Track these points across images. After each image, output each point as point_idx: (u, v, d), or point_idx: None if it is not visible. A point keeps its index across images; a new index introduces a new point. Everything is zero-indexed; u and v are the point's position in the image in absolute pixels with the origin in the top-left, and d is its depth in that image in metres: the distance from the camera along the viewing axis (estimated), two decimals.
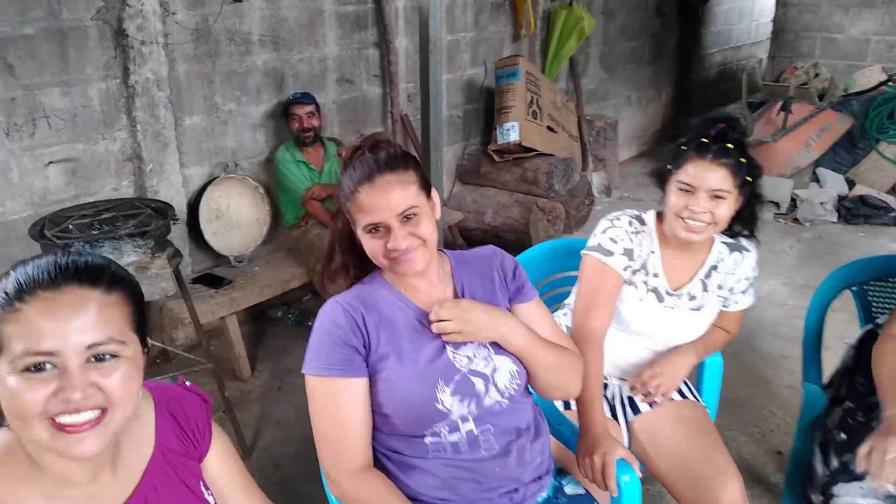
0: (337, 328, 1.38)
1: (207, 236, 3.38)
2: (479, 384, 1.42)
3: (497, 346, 1.46)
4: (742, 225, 1.89)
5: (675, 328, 1.92)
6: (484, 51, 4.90)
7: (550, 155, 4.78)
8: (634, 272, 1.89)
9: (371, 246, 1.39)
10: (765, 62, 8.56)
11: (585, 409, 1.70)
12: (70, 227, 2.36)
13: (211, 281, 3.31)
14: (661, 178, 1.87)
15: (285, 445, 2.81)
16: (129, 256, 2.35)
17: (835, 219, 5.35)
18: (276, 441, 2.84)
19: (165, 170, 3.23)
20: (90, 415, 0.92)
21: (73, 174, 2.96)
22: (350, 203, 1.38)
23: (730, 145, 1.73)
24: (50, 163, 2.88)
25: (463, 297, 1.50)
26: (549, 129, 4.94)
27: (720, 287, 1.94)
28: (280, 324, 3.79)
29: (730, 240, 1.95)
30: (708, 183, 1.74)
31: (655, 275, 1.90)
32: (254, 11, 3.45)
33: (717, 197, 1.74)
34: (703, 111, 8.23)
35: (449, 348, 1.43)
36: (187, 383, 1.22)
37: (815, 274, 3.79)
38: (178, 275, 2.48)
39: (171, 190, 3.27)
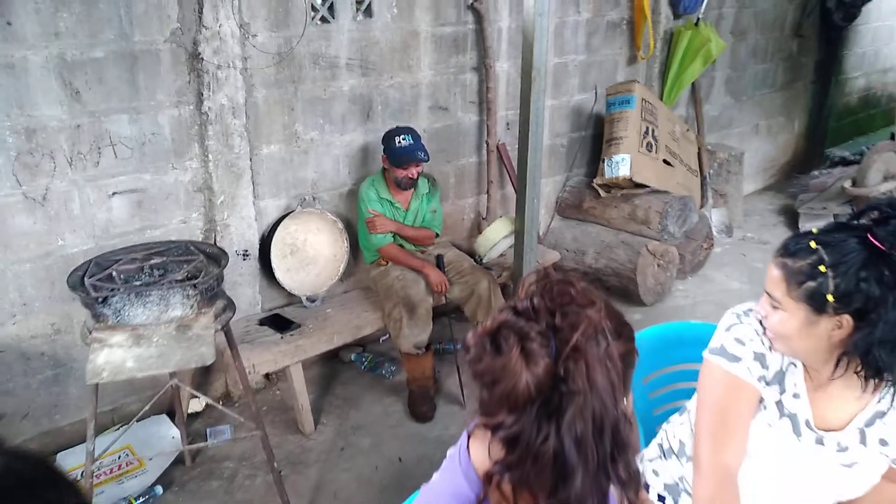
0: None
1: (279, 274, 3.13)
2: None
3: None
4: (866, 367, 1.29)
5: (815, 482, 1.41)
6: (595, 75, 4.45)
7: (665, 192, 4.27)
8: (767, 384, 1.40)
9: None
10: None
11: None
12: (114, 273, 2.14)
13: (278, 323, 3.05)
14: None
15: None
16: (174, 310, 2.10)
17: None
18: None
19: (238, 202, 3.00)
20: None
21: (138, 206, 2.77)
22: None
23: (814, 244, 1.27)
24: (114, 193, 2.70)
25: None
26: (666, 162, 4.42)
27: (884, 443, 1.39)
28: (352, 368, 3.50)
29: None
30: (766, 280, 1.37)
31: (796, 396, 1.39)
32: (342, 34, 3.18)
33: (773, 305, 1.35)
34: (839, 141, 7.43)
35: None
36: None
37: None
38: (228, 333, 2.22)
39: (243, 224, 3.04)
